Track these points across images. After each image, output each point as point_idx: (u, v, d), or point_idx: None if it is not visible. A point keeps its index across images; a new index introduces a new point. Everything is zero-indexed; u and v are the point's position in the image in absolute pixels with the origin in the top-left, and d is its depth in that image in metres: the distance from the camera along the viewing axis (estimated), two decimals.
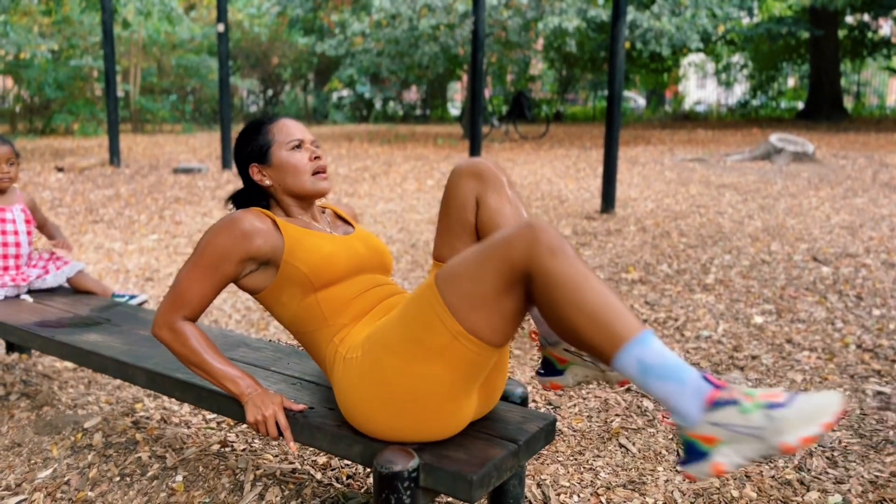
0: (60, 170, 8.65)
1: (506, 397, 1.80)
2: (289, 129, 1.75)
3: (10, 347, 3.12)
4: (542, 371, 1.73)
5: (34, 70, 15.30)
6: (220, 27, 8.42)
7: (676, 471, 1.31)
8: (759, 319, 3.44)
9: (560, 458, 2.25)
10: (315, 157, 1.74)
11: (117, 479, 2.15)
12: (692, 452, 1.23)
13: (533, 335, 1.76)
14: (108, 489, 2.09)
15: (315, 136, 1.80)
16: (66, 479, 2.15)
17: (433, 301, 1.42)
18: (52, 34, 16.25)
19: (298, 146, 1.74)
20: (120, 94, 17.03)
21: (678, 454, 1.29)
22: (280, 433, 1.63)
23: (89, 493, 2.07)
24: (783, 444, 1.14)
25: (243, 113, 21.39)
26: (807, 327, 3.34)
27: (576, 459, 2.25)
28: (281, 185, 1.74)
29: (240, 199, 1.83)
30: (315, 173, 1.73)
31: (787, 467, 2.15)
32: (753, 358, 3.01)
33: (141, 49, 16.94)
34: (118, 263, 4.69)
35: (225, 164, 8.98)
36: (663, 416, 1.33)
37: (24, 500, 2.04)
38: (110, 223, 5.91)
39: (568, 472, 2.17)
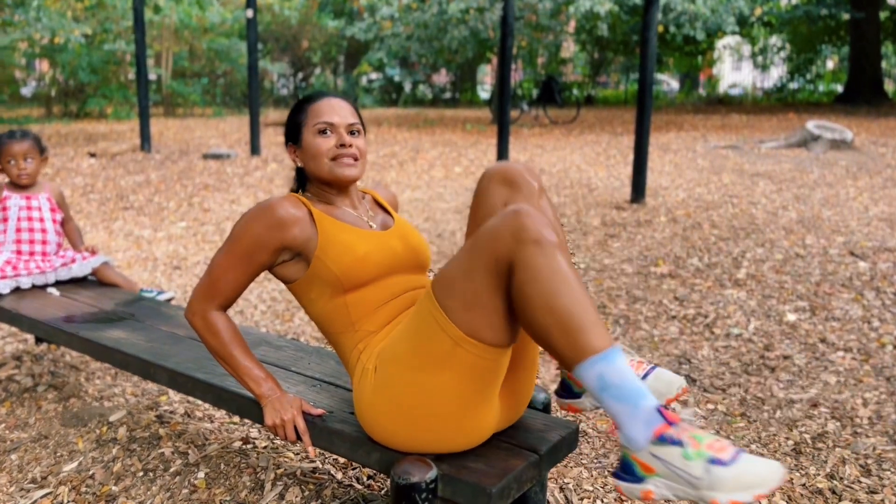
0: (93, 155, 8.76)
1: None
2: (321, 110, 1.66)
3: (39, 338, 3.16)
4: (561, 392, 1.69)
5: (68, 54, 15.48)
6: (249, 13, 8.41)
7: (609, 476, 1.37)
8: (791, 317, 3.35)
9: (584, 461, 2.22)
10: (341, 144, 1.63)
11: (140, 473, 2.16)
12: (628, 471, 1.26)
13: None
14: (131, 484, 2.10)
15: (356, 120, 1.68)
16: (90, 472, 2.17)
17: (431, 308, 1.39)
18: (85, 18, 16.42)
19: (325, 130, 1.64)
20: (152, 77, 17.18)
21: (617, 464, 1.34)
22: (298, 437, 1.62)
23: (113, 488, 2.08)
24: (714, 501, 1.17)
25: (273, 97, 21.44)
26: (842, 326, 3.24)
27: (600, 462, 2.21)
28: (308, 169, 1.69)
29: (298, 176, 1.78)
30: (336, 158, 1.63)
31: (819, 475, 2.09)
32: (785, 358, 2.93)
33: (172, 33, 17.03)
34: (147, 251, 4.73)
35: (254, 150, 9.01)
36: (611, 429, 1.34)
37: (49, 493, 2.07)
38: (140, 210, 5.96)
39: (591, 476, 2.13)
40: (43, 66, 18.19)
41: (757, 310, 3.45)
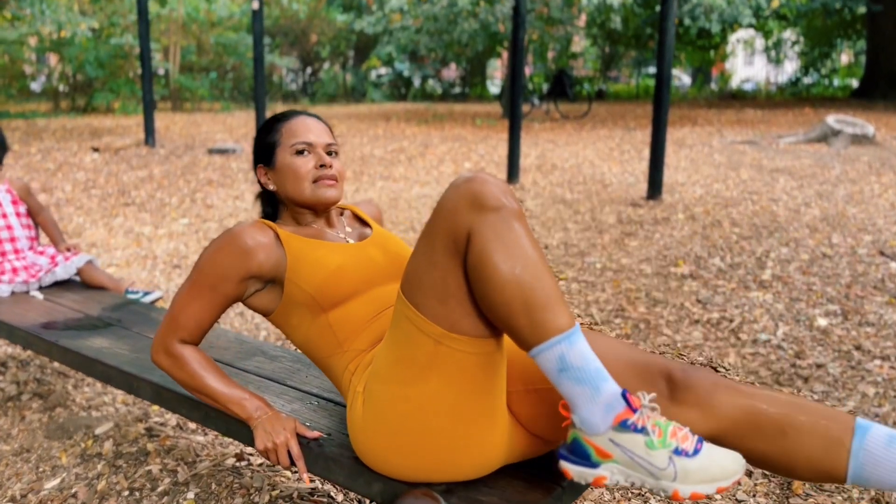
0: (96, 150, 8.62)
1: None
2: (297, 130, 1.54)
3: None
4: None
5: (75, 48, 15.37)
6: (255, 4, 8.25)
7: (556, 458, 1.21)
8: (822, 322, 3.16)
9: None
10: (321, 165, 1.52)
11: (126, 493, 2.00)
12: (580, 454, 1.18)
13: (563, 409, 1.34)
14: None
15: (333, 141, 1.58)
16: (73, 490, 2.01)
17: (404, 310, 1.24)
18: (92, 12, 16.31)
19: (303, 151, 1.53)
20: (160, 72, 17.06)
21: (564, 444, 1.21)
22: (292, 462, 1.45)
23: None
24: (675, 492, 1.14)
25: (282, 91, 21.31)
26: (877, 332, 3.05)
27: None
28: (282, 192, 1.56)
29: (263, 199, 1.65)
30: (317, 180, 1.52)
31: (863, 499, 1.91)
32: (819, 367, 2.74)
33: (180, 27, 16.90)
34: (146, 249, 4.58)
35: None
36: (562, 407, 1.16)
37: None
38: (141, 206, 5.81)
39: (614, 499, 1.96)
40: (53, 61, 18.11)
41: (785, 314, 3.26)
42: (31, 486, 2.05)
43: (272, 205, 1.62)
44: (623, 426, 1.14)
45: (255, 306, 1.51)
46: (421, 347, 1.22)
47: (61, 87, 16.62)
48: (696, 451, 1.15)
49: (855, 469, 1.20)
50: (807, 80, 22.85)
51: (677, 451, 1.14)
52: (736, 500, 1.95)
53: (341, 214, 1.66)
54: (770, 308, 3.32)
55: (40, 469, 2.14)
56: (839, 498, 1.93)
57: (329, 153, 1.57)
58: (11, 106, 15.71)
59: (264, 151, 1.58)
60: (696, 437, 1.17)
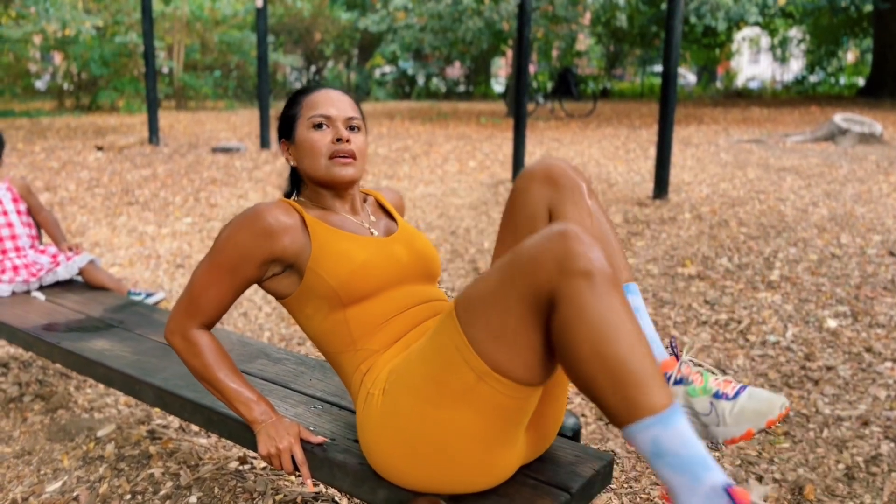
0: (100, 148, 8.61)
1: None
2: (317, 102, 1.47)
3: None
4: None
5: (80, 46, 15.37)
6: (259, 2, 8.22)
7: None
8: (832, 323, 3.12)
9: (613, 486, 2.01)
10: (338, 139, 1.44)
11: (128, 496, 1.98)
12: None
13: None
14: None
15: (356, 115, 1.49)
16: (74, 493, 1.99)
17: (453, 334, 1.17)
18: (97, 11, 16.30)
19: (321, 124, 1.45)
20: (164, 70, 17.05)
21: None
22: (296, 467, 1.42)
23: None
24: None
25: (286, 89, 21.28)
26: (887, 333, 3.01)
27: (631, 487, 2.01)
28: (301, 168, 1.49)
29: (291, 178, 1.58)
30: (333, 156, 1.44)
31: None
32: (829, 369, 2.71)
33: (184, 25, 16.88)
34: (150, 248, 4.56)
35: (263, 144, 8.84)
36: (663, 495, 1.10)
37: None
38: (145, 205, 5.79)
39: (622, 502, 1.93)
40: (58, 59, 18.12)
41: (794, 315, 3.22)
42: (33, 488, 2.03)
43: (294, 183, 1.56)
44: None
45: (271, 289, 1.45)
46: (461, 377, 1.17)
47: (66, 86, 16.62)
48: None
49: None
50: (813, 79, 22.75)
51: (717, 395, 1.17)
52: None
53: (365, 201, 1.59)
54: (779, 309, 3.29)
55: (42, 472, 2.12)
56: (851, 503, 1.90)
57: (351, 128, 1.48)
58: (16, 104, 15.71)
59: (286, 125, 1.51)
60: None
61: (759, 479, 2.03)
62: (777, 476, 2.05)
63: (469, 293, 1.18)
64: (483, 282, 1.17)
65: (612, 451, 2.20)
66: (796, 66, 25.05)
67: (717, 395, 1.17)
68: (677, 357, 1.21)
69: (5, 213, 2.53)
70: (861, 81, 21.06)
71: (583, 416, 2.44)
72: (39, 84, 18.57)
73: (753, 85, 24.52)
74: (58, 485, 2.04)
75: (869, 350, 2.86)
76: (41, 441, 2.29)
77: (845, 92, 20.44)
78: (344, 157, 1.44)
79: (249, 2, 18.24)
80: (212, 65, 18.27)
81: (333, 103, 1.47)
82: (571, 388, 2.59)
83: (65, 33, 14.77)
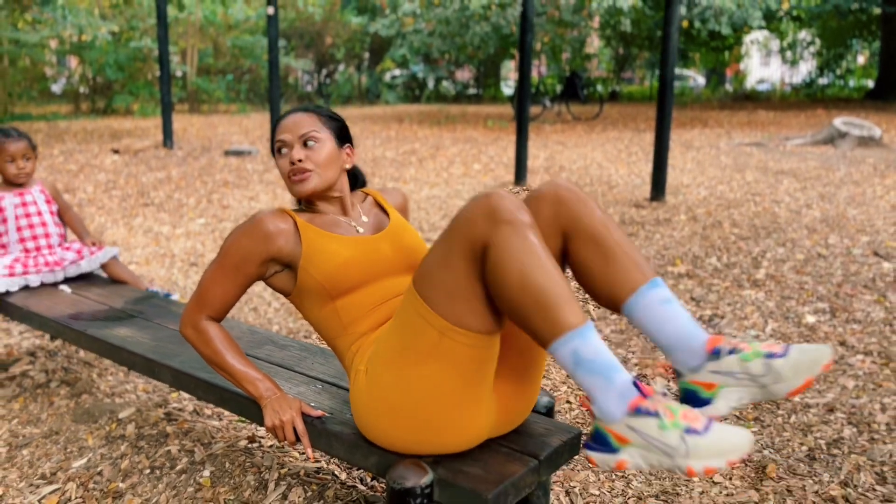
0: (116, 152, 8.85)
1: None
2: (279, 129, 1.66)
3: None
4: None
5: (96, 51, 15.68)
6: (270, 10, 8.44)
7: (582, 448, 1.36)
8: (811, 319, 3.28)
9: (590, 465, 2.18)
10: (291, 162, 1.61)
11: (147, 471, 2.17)
12: (602, 442, 1.30)
13: (665, 369, 1.61)
14: (138, 481, 2.11)
15: (312, 128, 1.62)
16: (98, 469, 2.19)
17: (414, 302, 1.38)
18: (112, 16, 16.62)
19: (280, 149, 1.64)
20: (178, 74, 17.34)
21: (588, 435, 1.34)
22: (298, 439, 1.61)
23: (120, 485, 2.10)
24: (689, 468, 1.22)
25: (298, 93, 21.54)
26: (862, 328, 3.17)
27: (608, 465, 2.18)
28: None
29: None
30: (289, 177, 1.62)
31: (833, 482, 2.04)
32: None
33: (197, 30, 17.18)
34: (165, 248, 4.77)
35: None
36: (582, 401, 1.31)
37: (58, 489, 2.08)
38: (160, 206, 6.02)
39: (598, 480, 2.10)
40: (74, 63, 18.44)
41: (775, 311, 3.38)
42: (60, 464, 2.22)
43: None
44: (637, 412, 1.24)
45: (275, 286, 1.65)
46: (425, 337, 1.37)
47: (82, 90, 16.94)
48: (706, 430, 1.22)
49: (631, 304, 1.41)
50: (822, 81, 22.78)
51: (688, 430, 1.22)
52: (712, 482, 2.09)
53: (363, 200, 1.77)
54: (761, 305, 3.45)
55: (68, 450, 2.31)
56: (810, 481, 2.06)
57: (306, 142, 1.62)
58: (33, 108, 16.03)
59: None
60: (706, 417, 1.26)
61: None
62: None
63: (422, 265, 1.39)
64: (431, 252, 1.38)
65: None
66: (806, 68, 25.08)
67: (769, 356, 1.26)
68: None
69: (40, 214, 2.75)
70: (871, 84, 21.08)
71: (567, 402, 2.62)
72: (55, 88, 18.92)
73: (763, 87, 24.57)
74: (83, 461, 2.24)
75: (843, 343, 3.02)
76: (67, 422, 2.49)
77: (854, 94, 20.48)
78: (298, 174, 1.61)
79: (261, 6, 18.52)
80: (224, 69, 18.56)
81: (288, 128, 1.63)
82: (558, 378, 2.77)
83: (81, 39, 15.07)
